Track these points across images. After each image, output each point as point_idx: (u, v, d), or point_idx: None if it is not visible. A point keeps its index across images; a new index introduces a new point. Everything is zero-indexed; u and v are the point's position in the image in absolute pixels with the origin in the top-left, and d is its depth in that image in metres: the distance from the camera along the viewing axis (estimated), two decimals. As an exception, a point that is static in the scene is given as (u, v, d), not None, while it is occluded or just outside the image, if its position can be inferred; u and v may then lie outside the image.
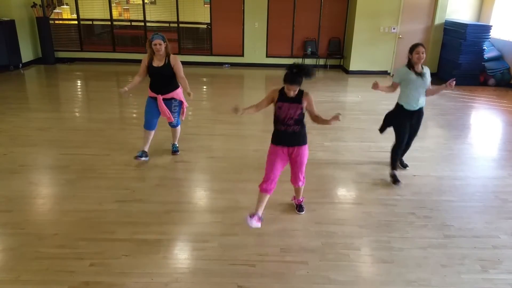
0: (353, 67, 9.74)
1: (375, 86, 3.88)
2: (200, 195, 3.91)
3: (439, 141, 5.38)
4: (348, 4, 9.91)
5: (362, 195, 3.90)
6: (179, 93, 4.32)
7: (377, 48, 9.55)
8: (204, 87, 8.59)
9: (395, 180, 4.05)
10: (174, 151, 4.70)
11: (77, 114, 6.44)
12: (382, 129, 4.35)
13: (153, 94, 4.24)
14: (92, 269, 2.75)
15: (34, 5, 9.26)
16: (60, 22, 10.49)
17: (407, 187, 4.03)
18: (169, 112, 4.29)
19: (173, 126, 4.53)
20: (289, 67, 2.89)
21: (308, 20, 10.05)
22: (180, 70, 4.19)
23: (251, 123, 5.81)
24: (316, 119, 3.15)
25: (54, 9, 10.05)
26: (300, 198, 3.51)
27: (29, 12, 9.48)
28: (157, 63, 4.14)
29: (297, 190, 3.46)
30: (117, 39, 10.36)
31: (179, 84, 4.31)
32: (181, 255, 2.98)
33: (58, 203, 3.62)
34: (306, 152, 3.17)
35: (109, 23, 10.18)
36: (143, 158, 4.35)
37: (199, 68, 10.00)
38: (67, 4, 10.33)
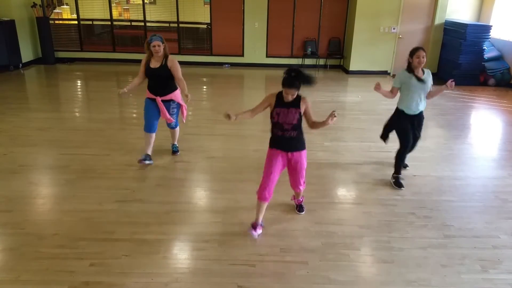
0: (353, 67, 9.74)
1: (377, 87, 3.86)
2: (200, 195, 3.91)
3: (439, 141, 5.38)
4: (348, 4, 9.91)
5: (362, 195, 3.90)
6: (177, 95, 4.28)
7: (377, 48, 9.55)
8: (204, 87, 8.59)
9: (398, 184, 4.03)
10: (174, 151, 4.69)
11: (77, 114, 6.44)
12: (384, 137, 4.34)
13: (151, 95, 4.20)
14: (92, 269, 2.75)
15: (34, 5, 9.26)
16: (60, 22, 10.49)
17: (407, 187, 4.02)
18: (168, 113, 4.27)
19: (171, 127, 4.52)
20: (287, 70, 2.84)
21: (308, 20, 10.05)
22: (178, 72, 4.15)
23: (251, 123, 5.80)
24: (314, 125, 3.07)
25: (54, 9, 10.06)
26: (300, 198, 3.51)
27: (29, 12, 9.48)
28: (155, 64, 4.10)
29: (297, 193, 3.44)
30: (117, 39, 10.37)
31: (178, 86, 4.27)
32: (181, 255, 2.98)
33: (58, 203, 3.62)
34: (305, 157, 3.13)
35: (109, 23, 10.19)
36: (147, 162, 4.32)
37: (199, 68, 10.00)
38: (67, 4, 10.33)
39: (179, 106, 4.37)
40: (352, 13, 9.63)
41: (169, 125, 4.47)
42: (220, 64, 10.32)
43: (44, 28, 9.61)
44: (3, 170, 4.20)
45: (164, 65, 4.10)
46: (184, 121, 4.62)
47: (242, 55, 10.31)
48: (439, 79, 8.54)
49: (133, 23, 10.37)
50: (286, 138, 3.00)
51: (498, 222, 3.47)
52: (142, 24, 10.14)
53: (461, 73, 8.49)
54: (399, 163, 4.05)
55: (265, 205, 3.09)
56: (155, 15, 10.22)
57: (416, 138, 4.07)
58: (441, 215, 3.55)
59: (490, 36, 8.69)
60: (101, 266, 2.78)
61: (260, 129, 5.54)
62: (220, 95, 7.92)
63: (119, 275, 2.70)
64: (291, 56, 10.31)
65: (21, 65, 9.27)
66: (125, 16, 10.38)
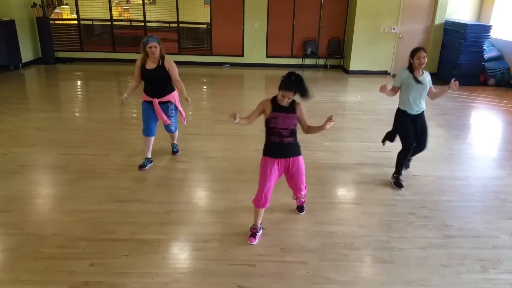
0: (353, 67, 9.74)
1: (383, 89, 3.83)
2: (200, 195, 3.91)
3: (439, 141, 5.38)
4: (348, 4, 9.91)
5: (362, 195, 3.90)
6: (174, 96, 4.22)
7: (377, 48, 9.55)
8: (204, 87, 8.59)
9: (398, 184, 4.02)
10: (175, 151, 4.68)
11: (77, 114, 6.44)
12: (384, 140, 4.33)
13: (148, 98, 4.11)
14: (92, 269, 2.75)
15: (34, 5, 9.26)
16: (60, 22, 10.49)
17: (407, 187, 4.02)
18: (166, 116, 4.20)
19: (171, 131, 4.46)
20: (288, 73, 2.78)
21: (308, 20, 10.05)
22: (175, 73, 4.08)
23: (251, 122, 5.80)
24: (309, 129, 3.04)
25: (54, 9, 10.06)
26: (302, 199, 3.48)
27: (29, 12, 9.48)
28: (151, 65, 4.00)
29: (299, 196, 3.40)
30: (117, 39, 10.37)
31: (175, 88, 4.21)
32: (181, 255, 2.98)
33: (58, 203, 3.62)
34: (302, 162, 3.08)
35: (109, 23, 10.19)
36: (148, 166, 4.31)
37: (199, 68, 10.00)
38: (67, 4, 10.33)
39: (176, 108, 4.29)
40: (352, 13, 9.63)
41: (168, 129, 4.41)
42: (220, 64, 10.32)
43: (44, 28, 9.61)
44: (3, 170, 4.20)
45: (161, 65, 4.02)
46: (185, 123, 4.60)
47: (242, 55, 10.31)
48: (439, 79, 8.55)
49: (133, 23, 10.37)
50: (284, 144, 2.93)
51: (498, 222, 3.47)
52: (142, 24, 10.14)
53: (461, 73, 8.49)
54: (401, 162, 4.05)
55: (263, 210, 3.08)
56: (155, 15, 10.22)
57: (421, 141, 4.03)
58: (441, 215, 3.55)
59: (490, 36, 8.69)
60: (101, 266, 2.78)
61: (260, 129, 5.48)
62: (220, 95, 7.92)
63: (119, 275, 2.70)
64: (291, 56, 10.32)
65: (21, 65, 9.27)
66: (125, 16, 10.38)
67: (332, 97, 7.62)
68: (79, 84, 8.60)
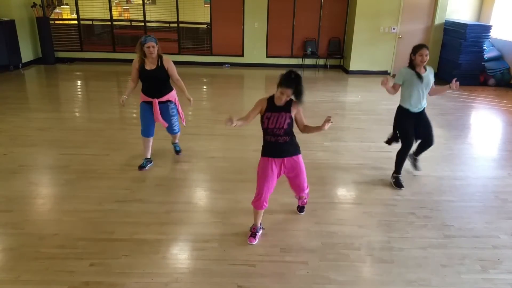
0: (353, 67, 9.74)
1: (385, 82, 3.77)
2: (200, 195, 3.91)
3: (439, 141, 5.36)
4: (348, 4, 9.91)
5: (362, 195, 3.90)
6: (174, 95, 4.20)
7: (377, 48, 9.55)
8: (204, 87, 8.59)
9: (398, 184, 4.02)
10: (177, 150, 4.64)
11: (77, 114, 6.44)
12: (397, 139, 4.28)
13: (148, 99, 4.06)
14: (92, 269, 2.75)
15: (34, 5, 9.26)
16: (60, 22, 10.49)
17: (407, 187, 4.02)
18: (163, 119, 4.16)
19: (175, 132, 4.39)
20: (288, 71, 2.76)
21: (308, 20, 10.05)
22: (174, 72, 4.07)
23: (251, 123, 5.80)
24: (306, 129, 3.02)
25: (54, 9, 10.06)
26: (305, 200, 3.45)
27: (29, 12, 9.48)
28: (150, 66, 3.95)
29: (302, 196, 3.37)
30: (117, 39, 10.37)
31: (173, 87, 4.19)
32: (181, 255, 2.98)
33: (58, 203, 3.62)
34: (302, 161, 3.05)
35: (109, 23, 10.19)
36: (148, 166, 4.30)
37: (199, 68, 10.00)
38: (67, 4, 10.33)
39: (176, 107, 4.27)
40: (352, 13, 9.63)
41: (171, 131, 4.34)
42: (220, 64, 10.32)
43: (44, 28, 9.61)
44: (3, 170, 4.20)
45: (160, 66, 3.98)
46: (184, 124, 4.59)
47: (242, 55, 10.31)
48: (439, 79, 8.52)
49: (133, 23, 10.37)
50: (280, 143, 2.91)
51: (498, 222, 3.47)
52: (142, 24, 10.15)
53: (461, 73, 8.48)
54: (400, 161, 4.05)
55: (262, 211, 3.07)
56: (155, 15, 10.22)
57: (426, 137, 3.99)
58: (441, 215, 3.55)
59: (490, 36, 8.69)
60: (101, 266, 2.78)
61: (260, 129, 5.52)
62: (220, 95, 7.92)
63: (119, 275, 2.70)
64: (291, 56, 10.32)
65: (21, 65, 9.27)
66: (125, 16, 10.38)
67: (332, 97, 7.62)
68: (79, 84, 8.60)
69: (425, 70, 3.83)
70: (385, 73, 9.77)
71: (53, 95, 7.64)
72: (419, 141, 4.10)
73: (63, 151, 4.74)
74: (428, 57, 3.72)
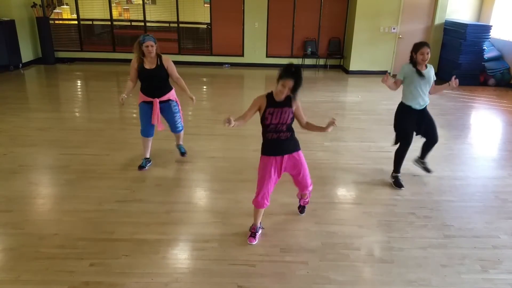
0: (353, 67, 9.74)
1: (386, 78, 3.76)
2: (200, 195, 3.91)
3: (439, 141, 5.34)
4: (348, 4, 9.91)
5: (362, 195, 3.90)
6: (174, 94, 4.19)
7: (377, 48, 9.55)
8: (204, 87, 8.59)
9: (398, 184, 4.02)
10: (183, 152, 4.58)
11: (77, 114, 6.44)
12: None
13: (148, 99, 4.04)
14: (92, 269, 2.75)
15: (34, 5, 9.26)
16: (60, 22, 10.49)
17: (407, 187, 4.02)
18: (166, 118, 4.17)
19: (178, 130, 4.36)
20: (287, 64, 2.75)
21: (308, 20, 10.05)
22: (174, 70, 4.06)
23: (251, 123, 5.78)
24: (308, 126, 3.03)
25: (54, 9, 10.06)
26: (306, 199, 3.43)
27: (29, 12, 9.48)
28: (149, 65, 3.93)
29: (305, 193, 3.35)
30: (117, 39, 10.37)
31: (172, 86, 4.17)
32: (181, 255, 2.98)
33: (58, 203, 3.62)
34: (303, 157, 3.04)
35: (109, 23, 10.19)
36: (148, 166, 4.30)
37: (199, 68, 10.00)
38: (67, 4, 10.33)
39: (177, 105, 4.25)
40: (352, 13, 9.63)
41: (174, 129, 4.32)
42: (220, 64, 10.32)
43: (44, 28, 9.61)
44: (3, 170, 4.20)
45: (160, 65, 3.97)
46: (182, 123, 4.59)
47: (242, 55, 10.32)
48: (439, 79, 8.49)
49: (133, 23, 10.37)
50: (281, 140, 2.89)
51: (498, 222, 3.47)
52: (142, 24, 10.15)
53: (461, 73, 8.44)
54: (398, 160, 4.04)
55: (263, 210, 3.07)
56: (155, 15, 10.22)
57: (431, 134, 3.97)
58: (441, 215, 3.55)
59: (490, 36, 8.69)
60: (101, 266, 2.78)
61: (260, 129, 5.52)
62: (220, 95, 7.92)
63: (119, 275, 2.69)
64: (291, 56, 10.31)
65: (21, 65, 9.27)
66: (125, 16, 10.39)
67: (332, 97, 7.62)
68: (79, 84, 8.60)
69: (426, 68, 3.82)
70: (385, 73, 9.72)
71: (53, 95, 7.64)
72: (423, 142, 4.09)
73: (63, 151, 4.74)
74: (429, 55, 3.71)
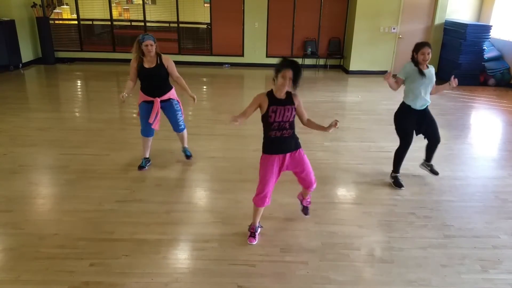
0: (353, 67, 9.74)
1: (388, 76, 3.75)
2: (200, 195, 3.91)
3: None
4: (348, 4, 9.91)
5: (362, 195, 3.90)
6: (175, 93, 4.18)
7: (377, 48, 9.55)
8: (204, 87, 8.59)
9: (397, 184, 4.02)
10: (188, 155, 4.54)
11: (77, 114, 6.45)
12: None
13: (148, 98, 4.03)
14: (92, 269, 2.75)
15: (34, 5, 9.26)
16: (60, 22, 10.50)
17: (407, 187, 4.02)
18: (168, 116, 4.17)
19: (180, 130, 4.34)
20: (281, 58, 2.76)
21: (308, 20, 10.05)
22: (174, 70, 4.05)
23: (251, 123, 5.79)
24: (309, 123, 3.03)
25: (54, 9, 10.06)
26: (308, 199, 3.41)
27: (29, 12, 9.48)
28: (149, 64, 3.92)
29: (307, 191, 3.32)
30: (117, 39, 10.37)
31: (172, 86, 4.17)
32: (181, 255, 2.98)
33: (58, 203, 3.62)
34: (304, 154, 3.04)
35: (109, 23, 10.19)
36: (147, 166, 4.29)
37: (199, 68, 10.00)
38: (67, 4, 10.33)
39: (179, 103, 4.24)
40: (352, 13, 9.63)
41: (177, 127, 4.30)
42: (220, 64, 10.32)
43: (44, 28, 9.61)
44: (3, 170, 4.20)
45: (160, 64, 3.96)
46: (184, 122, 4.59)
47: (242, 55, 10.32)
48: (439, 79, 8.51)
49: (133, 23, 10.37)
50: (284, 138, 2.89)
51: (498, 222, 3.47)
52: (142, 24, 10.15)
53: (461, 73, 8.47)
54: (398, 161, 4.03)
55: (262, 209, 3.06)
56: (155, 15, 10.22)
57: (432, 135, 3.96)
58: (441, 215, 3.55)
59: (490, 36, 8.70)
60: (101, 266, 2.78)
61: (260, 129, 5.50)
62: (220, 95, 7.92)
63: (119, 275, 2.69)
64: (291, 56, 10.29)
65: (21, 65, 9.27)
66: (125, 16, 10.39)
67: (332, 97, 7.62)
68: (79, 84, 8.60)
69: (427, 68, 3.82)
70: (385, 73, 9.73)
71: (53, 95, 7.64)
72: (426, 144, 4.09)
73: (63, 151, 4.74)
74: (430, 56, 3.71)
